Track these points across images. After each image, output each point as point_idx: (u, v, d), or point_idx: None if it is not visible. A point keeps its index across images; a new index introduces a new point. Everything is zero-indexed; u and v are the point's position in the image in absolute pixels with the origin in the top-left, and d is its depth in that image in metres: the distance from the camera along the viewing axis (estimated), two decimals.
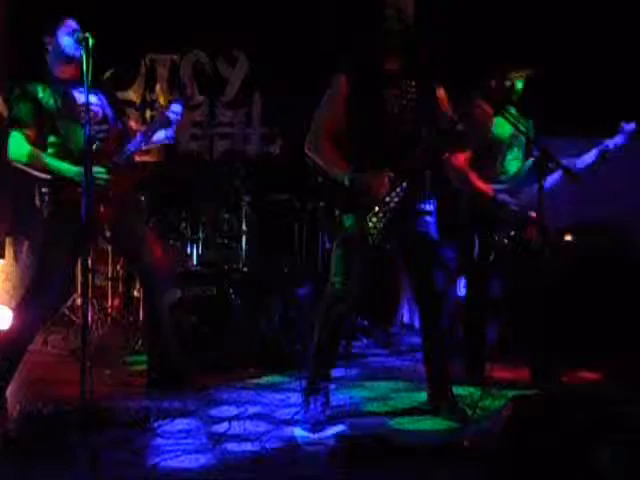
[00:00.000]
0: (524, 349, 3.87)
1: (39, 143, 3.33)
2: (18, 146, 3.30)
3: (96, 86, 3.51)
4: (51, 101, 3.32)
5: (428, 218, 3.16)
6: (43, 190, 3.33)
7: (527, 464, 2.26)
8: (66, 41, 3.32)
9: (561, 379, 3.65)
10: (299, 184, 5.25)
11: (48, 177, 3.31)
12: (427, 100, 3.13)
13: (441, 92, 3.21)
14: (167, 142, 3.73)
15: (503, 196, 3.76)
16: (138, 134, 3.54)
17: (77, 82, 3.29)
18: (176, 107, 3.58)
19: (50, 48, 3.39)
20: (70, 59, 3.34)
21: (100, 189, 3.27)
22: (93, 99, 3.43)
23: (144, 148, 3.63)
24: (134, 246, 3.59)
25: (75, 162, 3.28)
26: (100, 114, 3.49)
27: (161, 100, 6.37)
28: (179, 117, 3.60)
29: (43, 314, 3.45)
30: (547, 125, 3.95)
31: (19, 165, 3.33)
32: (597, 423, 2.28)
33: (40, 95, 3.33)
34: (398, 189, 3.02)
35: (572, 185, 3.34)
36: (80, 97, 3.35)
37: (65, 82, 3.38)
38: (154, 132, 3.57)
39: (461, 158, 3.71)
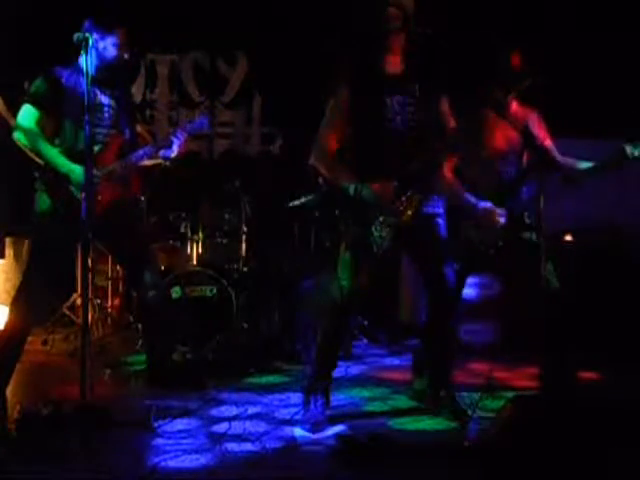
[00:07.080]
0: (526, 349, 3.85)
1: (47, 129, 3.31)
2: (27, 116, 3.28)
3: (119, 89, 3.54)
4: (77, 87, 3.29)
5: (438, 220, 3.14)
6: (37, 186, 3.33)
7: (527, 464, 2.26)
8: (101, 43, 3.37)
9: (574, 379, 3.60)
10: (299, 184, 5.24)
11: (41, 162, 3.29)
12: (430, 105, 3.08)
13: (444, 101, 3.14)
14: (166, 160, 3.65)
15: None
16: (143, 148, 3.55)
17: (104, 82, 3.41)
18: (201, 121, 3.68)
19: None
20: (104, 61, 3.40)
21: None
22: (110, 102, 3.45)
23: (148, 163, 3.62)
24: (127, 246, 3.57)
25: (71, 159, 3.26)
26: (109, 118, 3.47)
27: (162, 100, 6.38)
28: (205, 129, 3.70)
29: (34, 312, 3.42)
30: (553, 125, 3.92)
31: (20, 144, 3.29)
32: (598, 423, 2.28)
33: (64, 79, 3.32)
34: (403, 198, 3.00)
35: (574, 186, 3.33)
36: (100, 97, 3.41)
37: (93, 80, 3.36)
38: (158, 149, 3.56)
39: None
